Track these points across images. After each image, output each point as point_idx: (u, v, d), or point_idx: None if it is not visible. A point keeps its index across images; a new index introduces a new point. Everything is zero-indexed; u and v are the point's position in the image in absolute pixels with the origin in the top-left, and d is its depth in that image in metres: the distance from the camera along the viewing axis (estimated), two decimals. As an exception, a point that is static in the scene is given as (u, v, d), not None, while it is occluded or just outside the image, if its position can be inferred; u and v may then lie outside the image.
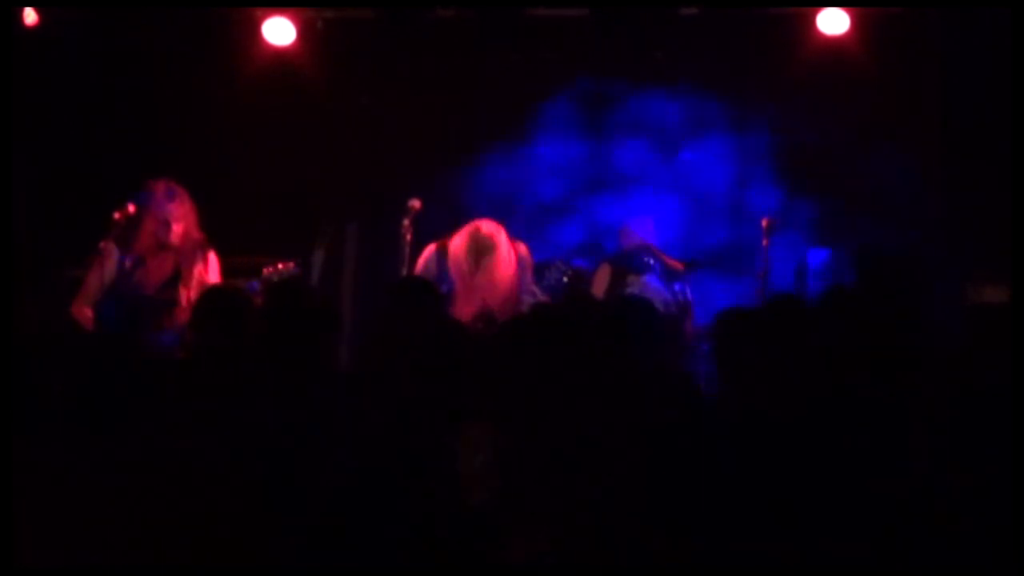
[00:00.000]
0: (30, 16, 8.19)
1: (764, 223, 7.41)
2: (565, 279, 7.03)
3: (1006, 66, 7.34)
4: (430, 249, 6.87)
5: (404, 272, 6.89)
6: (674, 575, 3.23)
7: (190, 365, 4.96)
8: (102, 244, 6.74)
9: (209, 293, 5.69)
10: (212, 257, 6.83)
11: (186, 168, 7.12)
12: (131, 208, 6.83)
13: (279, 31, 8.46)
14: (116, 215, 6.80)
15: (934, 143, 8.32)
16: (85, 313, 6.69)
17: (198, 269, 6.73)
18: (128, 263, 6.70)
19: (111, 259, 6.72)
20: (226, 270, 6.92)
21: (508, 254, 6.61)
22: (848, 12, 8.11)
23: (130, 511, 3.13)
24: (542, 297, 6.87)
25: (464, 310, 6.46)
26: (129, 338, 4.88)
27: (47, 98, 8.40)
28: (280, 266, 6.76)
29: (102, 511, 3.09)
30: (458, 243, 6.63)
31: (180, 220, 6.73)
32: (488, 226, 6.67)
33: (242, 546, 3.34)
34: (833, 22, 8.13)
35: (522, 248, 6.87)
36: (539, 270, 7.37)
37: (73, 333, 5.87)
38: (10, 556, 2.99)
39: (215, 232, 6.93)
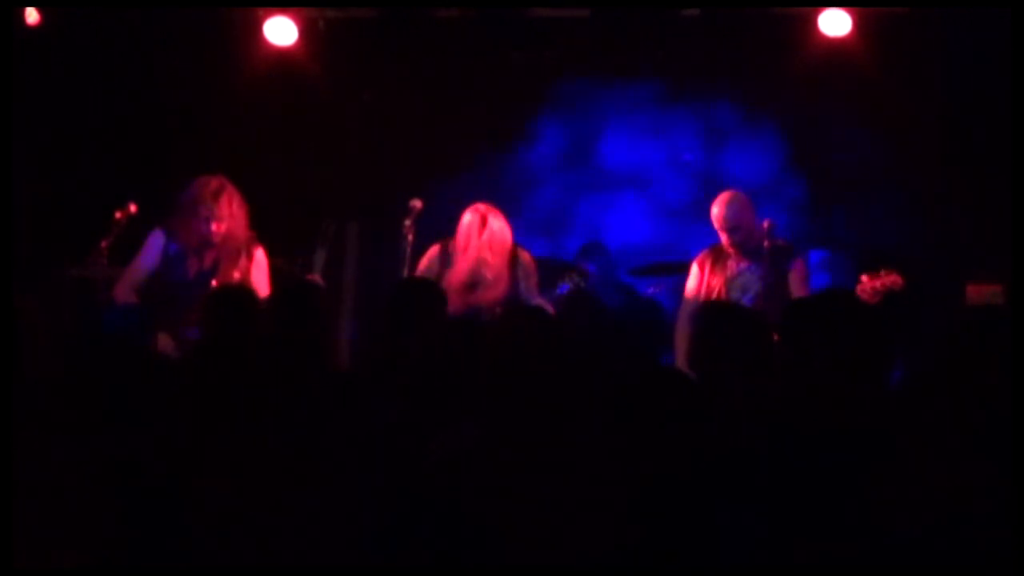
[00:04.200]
0: (31, 15, 8.18)
1: (765, 224, 7.39)
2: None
3: (1006, 66, 7.34)
4: (434, 249, 6.90)
5: (405, 272, 6.90)
6: (671, 574, 3.24)
7: (194, 363, 4.96)
8: (104, 243, 6.74)
9: (216, 291, 5.66)
10: (260, 254, 6.69)
11: (186, 168, 7.11)
12: (132, 207, 6.82)
13: (281, 31, 8.45)
14: (117, 214, 6.80)
15: (934, 143, 8.32)
16: (131, 298, 6.55)
17: (242, 265, 6.63)
18: (172, 252, 6.62)
19: (157, 246, 6.62)
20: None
21: (503, 224, 6.91)
22: (849, 12, 8.10)
23: (131, 511, 3.14)
24: (547, 306, 6.81)
25: (461, 268, 6.77)
26: (132, 339, 4.89)
27: (47, 98, 8.40)
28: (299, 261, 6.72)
29: (102, 511, 3.09)
30: (466, 216, 6.92)
31: (224, 220, 6.54)
32: (485, 205, 6.99)
33: (243, 545, 3.34)
34: (834, 23, 8.13)
35: (525, 255, 6.90)
36: (551, 276, 7.34)
37: (73, 333, 5.86)
38: (10, 556, 3.00)
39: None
